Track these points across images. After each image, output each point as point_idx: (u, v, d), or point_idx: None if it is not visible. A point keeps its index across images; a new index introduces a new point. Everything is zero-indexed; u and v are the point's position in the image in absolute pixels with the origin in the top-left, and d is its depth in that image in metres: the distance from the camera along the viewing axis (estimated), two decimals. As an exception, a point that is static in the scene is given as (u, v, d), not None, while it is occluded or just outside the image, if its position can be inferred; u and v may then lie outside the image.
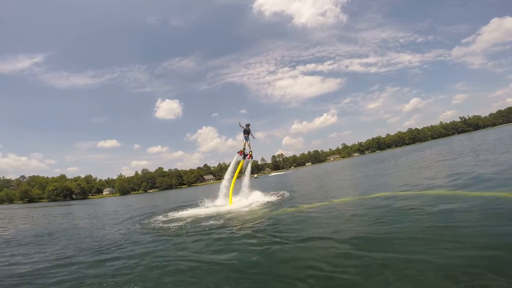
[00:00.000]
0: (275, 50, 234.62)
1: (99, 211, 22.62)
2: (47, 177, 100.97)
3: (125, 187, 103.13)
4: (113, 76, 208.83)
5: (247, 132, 13.79)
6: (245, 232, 6.65)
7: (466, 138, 56.00)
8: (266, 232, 6.34)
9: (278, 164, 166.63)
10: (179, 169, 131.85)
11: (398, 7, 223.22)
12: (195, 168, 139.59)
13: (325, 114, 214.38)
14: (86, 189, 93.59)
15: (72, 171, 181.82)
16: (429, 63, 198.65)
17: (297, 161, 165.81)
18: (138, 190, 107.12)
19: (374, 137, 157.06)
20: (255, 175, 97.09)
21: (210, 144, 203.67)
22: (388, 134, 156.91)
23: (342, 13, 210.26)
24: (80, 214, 20.43)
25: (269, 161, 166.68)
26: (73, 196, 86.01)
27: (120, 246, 6.82)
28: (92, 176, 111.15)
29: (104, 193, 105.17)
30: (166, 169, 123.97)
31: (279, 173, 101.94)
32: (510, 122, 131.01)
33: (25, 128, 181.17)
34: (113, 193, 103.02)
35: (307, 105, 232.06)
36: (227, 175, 13.76)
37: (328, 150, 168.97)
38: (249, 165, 13.63)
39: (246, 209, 10.29)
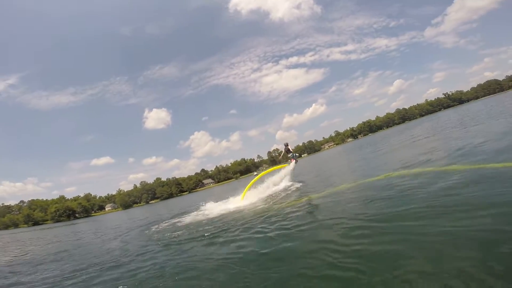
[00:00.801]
0: (256, 47, 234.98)
1: (109, 225, 22.90)
2: (46, 200, 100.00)
3: (126, 200, 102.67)
4: (95, 91, 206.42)
5: (288, 150, 15.28)
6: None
7: (452, 112, 58.09)
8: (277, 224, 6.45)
9: (275, 159, 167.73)
10: (177, 177, 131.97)
11: None
12: (193, 174, 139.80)
13: (314, 105, 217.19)
14: (88, 207, 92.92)
15: (70, 191, 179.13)
16: (405, 45, 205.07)
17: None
18: (140, 203, 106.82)
19: (365, 121, 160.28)
20: (255, 173, 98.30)
21: (204, 148, 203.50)
22: (377, 116, 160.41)
23: (315, 4, 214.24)
24: (90, 231, 20.74)
25: (265, 157, 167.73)
26: (76, 215, 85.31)
27: (139, 254, 6.94)
28: (91, 194, 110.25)
29: (106, 209, 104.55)
30: (164, 179, 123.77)
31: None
32: (491, 94, 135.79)
33: (15, 154, 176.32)
34: (115, 208, 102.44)
35: (295, 97, 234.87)
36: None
37: (321, 139, 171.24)
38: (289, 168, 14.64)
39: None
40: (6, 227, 77.50)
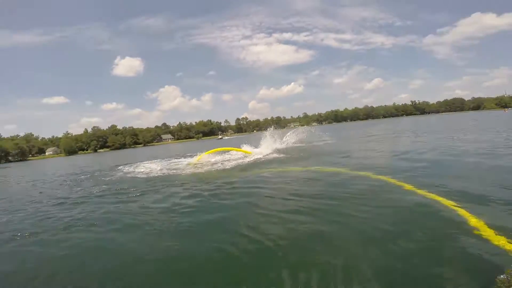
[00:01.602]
0: (254, 15, 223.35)
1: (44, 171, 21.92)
2: None
3: (72, 146, 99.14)
4: (66, 33, 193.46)
5: None
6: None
7: (410, 120, 60.29)
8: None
9: (242, 127, 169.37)
10: (136, 127, 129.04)
11: None
12: (153, 127, 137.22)
13: (293, 83, 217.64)
14: (26, 149, 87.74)
15: (10, 130, 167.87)
16: (400, 47, 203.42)
17: (260, 126, 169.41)
18: (87, 150, 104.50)
19: (333, 109, 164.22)
20: (219, 137, 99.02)
21: (173, 103, 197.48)
22: (346, 108, 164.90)
23: None
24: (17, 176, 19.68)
25: (233, 123, 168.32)
26: (10, 158, 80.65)
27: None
28: (33, 135, 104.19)
29: (47, 153, 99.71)
30: (120, 127, 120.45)
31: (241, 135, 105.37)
32: (451, 111, 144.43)
33: None
34: (57, 153, 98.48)
35: (277, 72, 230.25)
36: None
37: (290, 117, 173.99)
38: None
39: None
40: None
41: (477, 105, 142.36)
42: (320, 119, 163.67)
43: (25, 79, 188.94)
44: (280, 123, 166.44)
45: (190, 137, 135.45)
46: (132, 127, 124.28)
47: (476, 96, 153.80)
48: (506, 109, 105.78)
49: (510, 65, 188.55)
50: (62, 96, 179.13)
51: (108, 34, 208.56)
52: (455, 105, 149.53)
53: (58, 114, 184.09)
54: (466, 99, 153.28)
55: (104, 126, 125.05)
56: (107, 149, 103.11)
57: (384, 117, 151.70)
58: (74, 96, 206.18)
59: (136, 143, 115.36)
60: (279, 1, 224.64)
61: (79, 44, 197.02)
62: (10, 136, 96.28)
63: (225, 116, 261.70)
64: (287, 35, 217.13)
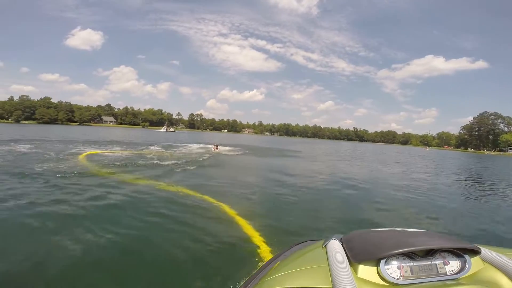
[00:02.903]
0: (236, 15, 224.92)
1: None
2: None
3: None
4: None
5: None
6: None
7: (350, 145, 69.16)
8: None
9: (195, 123, 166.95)
10: (78, 104, 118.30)
11: (366, 18, 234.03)
12: (96, 106, 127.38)
13: (255, 90, 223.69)
14: None
15: None
16: (357, 75, 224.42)
17: (215, 125, 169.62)
18: (7, 119, 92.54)
19: (286, 123, 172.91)
20: (171, 129, 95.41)
21: (125, 85, 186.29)
22: (297, 124, 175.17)
23: (316, 6, 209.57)
24: None
25: (186, 117, 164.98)
26: None
27: None
28: None
29: None
30: (55, 101, 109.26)
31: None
32: (384, 142, 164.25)
33: None
34: None
35: (243, 76, 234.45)
36: None
37: (246, 123, 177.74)
38: None
39: None
40: None
41: (406, 139, 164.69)
42: (273, 130, 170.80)
43: None
44: (235, 127, 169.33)
45: (135, 124, 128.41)
46: (69, 102, 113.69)
47: (406, 131, 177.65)
48: (427, 147, 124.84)
49: (439, 106, 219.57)
50: None
51: (76, 1, 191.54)
52: (388, 137, 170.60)
53: None
54: (398, 133, 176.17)
55: (37, 96, 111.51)
56: (33, 122, 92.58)
57: (329, 138, 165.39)
58: (10, 60, 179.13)
59: (70, 120, 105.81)
60: (264, 9, 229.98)
61: (41, 6, 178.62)
62: None
63: (180, 109, 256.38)
64: (261, 43, 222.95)
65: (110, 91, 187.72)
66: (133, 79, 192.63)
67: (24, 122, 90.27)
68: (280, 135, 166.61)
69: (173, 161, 11.02)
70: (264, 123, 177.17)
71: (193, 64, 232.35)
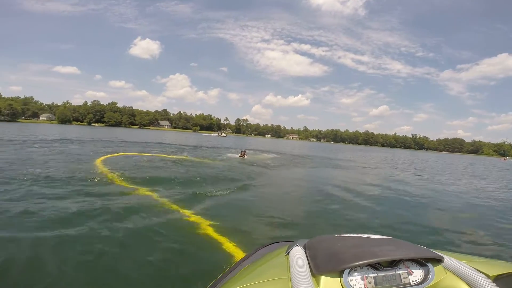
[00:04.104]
0: (277, 20, 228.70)
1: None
2: None
3: (67, 115, 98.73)
4: (98, 7, 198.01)
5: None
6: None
7: (408, 154, 61.45)
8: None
9: (241, 128, 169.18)
10: (139, 109, 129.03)
11: (418, 17, 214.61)
12: (154, 111, 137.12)
13: (300, 95, 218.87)
14: (18, 111, 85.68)
15: (14, 91, 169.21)
16: (415, 77, 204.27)
17: (259, 130, 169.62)
18: (82, 121, 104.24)
19: (334, 129, 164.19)
20: (223, 134, 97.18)
21: (179, 91, 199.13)
22: (347, 130, 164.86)
23: (363, 7, 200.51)
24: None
25: (232, 122, 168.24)
26: (0, 117, 77.20)
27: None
28: (33, 98, 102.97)
29: (40, 118, 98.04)
30: (121, 105, 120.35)
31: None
32: (449, 151, 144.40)
33: None
34: (50, 120, 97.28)
35: (287, 81, 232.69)
36: None
37: (290, 128, 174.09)
38: None
39: None
40: None
41: (476, 148, 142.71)
42: (320, 136, 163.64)
43: (43, 46, 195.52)
44: (279, 132, 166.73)
45: (187, 128, 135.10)
46: (131, 107, 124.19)
47: (476, 139, 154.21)
48: (505, 157, 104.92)
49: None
50: (75, 67, 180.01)
51: (135, 13, 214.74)
52: (453, 146, 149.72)
53: (66, 84, 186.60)
54: (466, 140, 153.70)
55: (106, 102, 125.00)
56: (102, 124, 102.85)
57: (383, 145, 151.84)
58: (86, 68, 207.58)
59: (132, 123, 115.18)
60: (306, 13, 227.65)
61: (106, 19, 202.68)
62: (10, 97, 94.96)
63: (227, 114, 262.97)
64: (305, 47, 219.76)
65: (167, 97, 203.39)
66: (187, 86, 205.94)
67: (94, 124, 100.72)
68: (327, 141, 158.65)
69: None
70: (310, 128, 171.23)
71: (240, 70, 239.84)
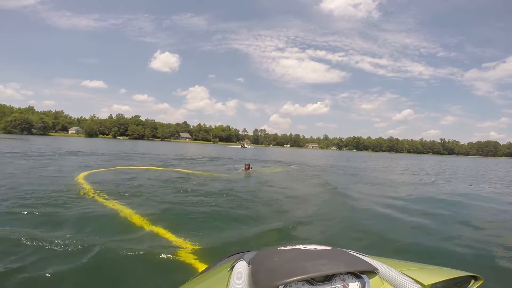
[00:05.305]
0: (290, 28, 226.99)
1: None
2: (12, 107, 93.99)
3: (94, 128, 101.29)
4: (118, 21, 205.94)
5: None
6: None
7: (436, 160, 52.55)
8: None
9: (259, 138, 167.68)
10: (161, 121, 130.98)
11: (435, 17, 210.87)
12: (175, 123, 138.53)
13: (319, 103, 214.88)
14: (49, 124, 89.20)
15: (48, 105, 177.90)
16: (438, 79, 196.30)
17: (277, 140, 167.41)
18: (107, 135, 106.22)
19: (356, 136, 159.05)
20: (246, 145, 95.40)
21: (199, 103, 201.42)
22: (369, 137, 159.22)
23: (376, 9, 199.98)
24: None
25: (251, 133, 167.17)
26: (33, 130, 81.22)
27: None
28: (63, 113, 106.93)
29: (69, 131, 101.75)
30: (144, 119, 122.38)
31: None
32: (483, 155, 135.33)
33: (12, 59, 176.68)
34: (78, 133, 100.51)
35: (304, 89, 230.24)
36: None
37: (309, 137, 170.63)
38: None
39: None
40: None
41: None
42: (341, 144, 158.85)
43: (72, 61, 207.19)
44: (298, 141, 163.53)
45: (207, 140, 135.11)
46: (153, 120, 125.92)
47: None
48: None
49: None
50: (102, 81, 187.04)
51: (153, 27, 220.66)
52: (487, 149, 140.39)
53: (94, 98, 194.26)
54: (501, 143, 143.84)
55: (130, 115, 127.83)
56: (126, 137, 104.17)
57: (409, 152, 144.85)
58: (112, 82, 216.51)
59: (154, 136, 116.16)
60: (319, 19, 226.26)
61: (126, 34, 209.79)
62: (43, 111, 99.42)
63: (245, 125, 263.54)
64: (321, 53, 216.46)
65: (187, 109, 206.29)
66: (206, 98, 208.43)
67: (119, 137, 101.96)
68: (349, 149, 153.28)
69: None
70: (330, 136, 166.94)
71: (256, 80, 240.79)
